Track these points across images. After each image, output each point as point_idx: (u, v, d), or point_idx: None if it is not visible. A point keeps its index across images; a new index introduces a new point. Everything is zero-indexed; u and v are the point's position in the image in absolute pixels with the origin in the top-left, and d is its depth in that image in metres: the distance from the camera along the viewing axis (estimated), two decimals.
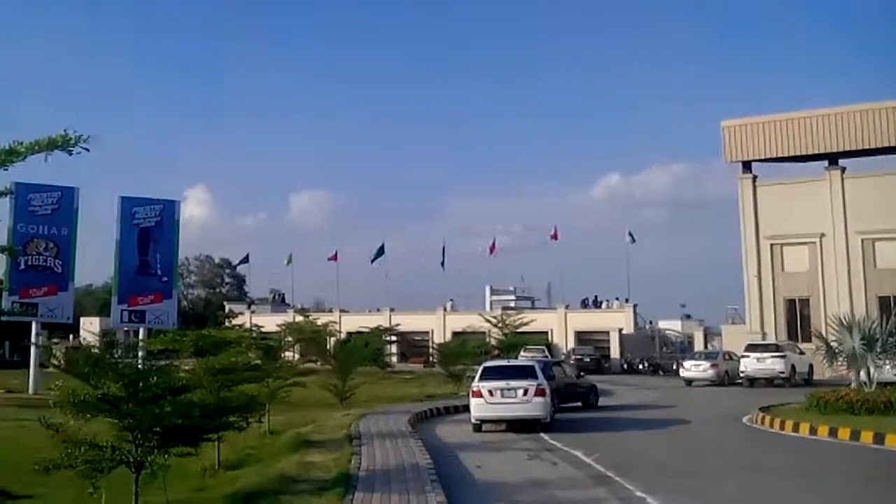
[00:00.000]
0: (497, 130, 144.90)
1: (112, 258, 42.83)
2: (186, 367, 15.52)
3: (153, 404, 11.07)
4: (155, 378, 11.39)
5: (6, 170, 7.62)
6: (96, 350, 12.73)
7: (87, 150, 7.57)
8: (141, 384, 11.05)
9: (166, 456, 11.17)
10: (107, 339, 16.20)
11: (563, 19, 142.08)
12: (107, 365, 11.42)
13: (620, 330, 62.60)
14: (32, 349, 39.03)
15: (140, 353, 19.05)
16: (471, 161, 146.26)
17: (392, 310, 70.84)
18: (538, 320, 61.01)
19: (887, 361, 27.70)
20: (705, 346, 56.49)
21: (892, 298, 47.68)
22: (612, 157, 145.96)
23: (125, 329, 42.07)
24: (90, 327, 58.66)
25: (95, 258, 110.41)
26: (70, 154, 7.50)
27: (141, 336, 37.62)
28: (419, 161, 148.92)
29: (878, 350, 25.39)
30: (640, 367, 58.14)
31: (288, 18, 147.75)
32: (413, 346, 68.78)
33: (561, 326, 64.71)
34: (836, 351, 26.55)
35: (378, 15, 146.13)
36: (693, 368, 43.82)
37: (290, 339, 51.25)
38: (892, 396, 22.26)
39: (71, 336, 59.38)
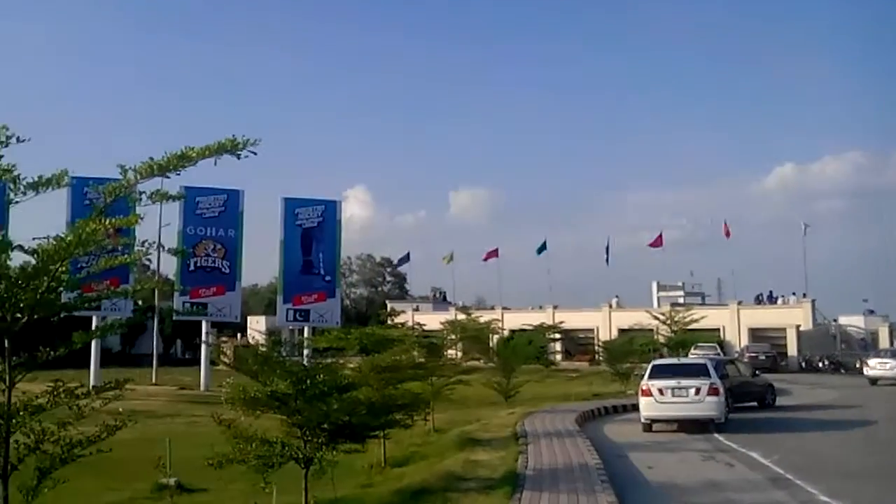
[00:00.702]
0: (663, 121, 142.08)
1: (276, 258, 44.29)
2: (351, 365, 15.87)
3: (320, 401, 11.36)
4: (321, 376, 11.69)
5: (178, 174, 7.91)
6: (264, 348, 13.14)
7: (255, 153, 7.79)
8: (308, 382, 11.36)
9: (334, 452, 11.45)
10: (274, 338, 16.72)
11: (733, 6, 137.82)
12: (275, 363, 11.81)
13: (798, 326, 60.19)
14: (203, 347, 40.84)
15: (306, 352, 19.63)
16: (636, 154, 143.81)
17: (555, 307, 70.49)
18: (709, 317, 59.19)
19: None
20: (892, 343, 53.83)
21: None
22: (786, 146, 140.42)
23: (290, 328, 43.39)
24: (257, 326, 60.87)
25: (260, 258, 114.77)
26: (238, 158, 7.74)
27: (306, 334, 38.69)
28: (582, 155, 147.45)
29: None
30: (820, 365, 55.93)
31: (444, 16, 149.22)
32: (577, 343, 68.21)
33: (733, 323, 62.82)
34: None
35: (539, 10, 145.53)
36: (879, 366, 41.91)
37: (452, 337, 51.75)
38: None
39: (238, 335, 61.81)
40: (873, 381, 41.33)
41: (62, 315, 8.97)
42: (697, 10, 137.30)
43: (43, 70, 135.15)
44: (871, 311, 64.69)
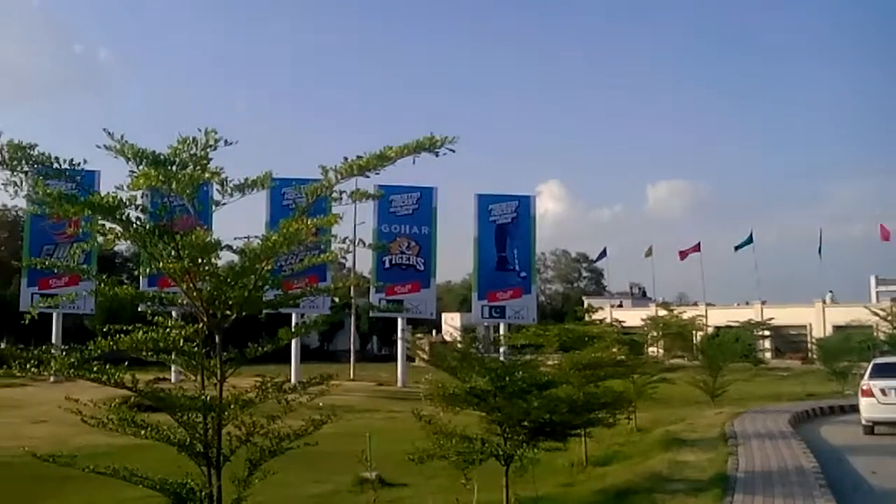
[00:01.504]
0: (875, 101, 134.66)
1: (469, 255, 44.85)
2: (550, 363, 15.89)
3: (520, 398, 11.40)
4: (520, 372, 11.74)
5: (377, 174, 8.13)
6: (461, 345, 13.33)
7: (453, 150, 7.89)
8: (507, 378, 11.41)
9: (535, 450, 11.47)
10: (471, 335, 17.02)
11: None
12: (474, 359, 11.95)
13: None
14: (399, 344, 41.87)
15: (502, 348, 19.76)
16: (850, 138, 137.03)
17: (763, 302, 68.33)
18: None
19: None
20: None
21: None
22: None
23: (485, 324, 43.85)
24: (451, 322, 61.77)
25: (453, 255, 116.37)
26: (437, 156, 7.87)
27: (501, 331, 38.99)
28: (787, 144, 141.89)
29: None
30: None
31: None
32: (788, 341, 65.88)
33: None
34: None
35: None
36: None
37: (654, 334, 51.00)
38: None
39: (433, 331, 62.96)
40: None
41: (265, 312, 9.36)
42: None
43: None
44: None
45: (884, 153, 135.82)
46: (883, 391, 20.32)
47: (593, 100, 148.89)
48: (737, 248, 72.98)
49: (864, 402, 20.81)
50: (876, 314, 53.12)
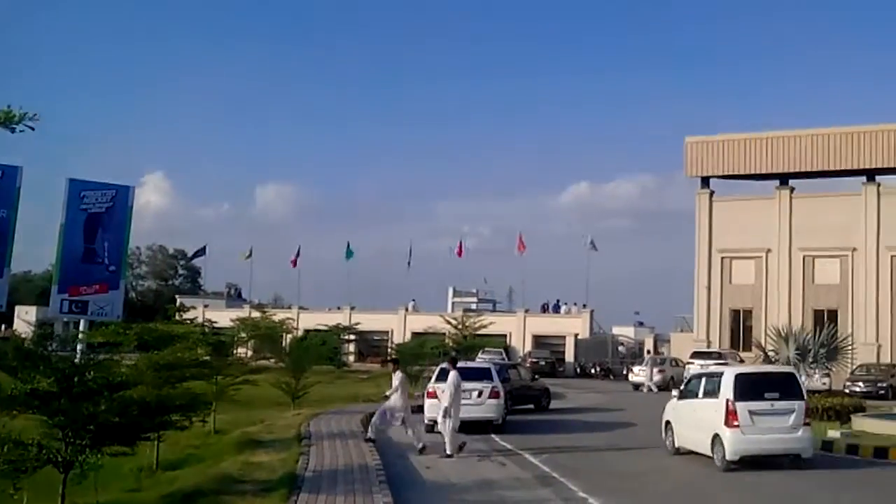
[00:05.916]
0: (472, 133, 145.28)
1: (54, 244, 41.31)
2: (130, 362, 15.01)
3: (88, 401, 10.58)
4: (92, 373, 10.92)
5: None
6: (28, 342, 12.11)
7: (32, 129, 6.94)
8: (76, 379, 10.60)
9: (99, 455, 10.65)
10: (42, 331, 15.66)
11: (542, 27, 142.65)
12: (39, 358, 10.84)
13: (576, 335, 62.66)
14: None
15: (79, 346, 18.38)
16: (444, 163, 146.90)
17: (352, 308, 70.15)
18: (497, 323, 60.99)
19: (817, 371, 30.05)
20: (655, 353, 57.12)
21: (825, 312, 50.49)
22: (584, 165, 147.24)
23: (65, 320, 40.84)
24: (26, 317, 56.88)
25: (36, 243, 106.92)
26: (13, 132, 6.87)
27: (81, 328, 36.46)
28: (391, 160, 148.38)
29: (810, 360, 27.43)
30: (593, 371, 58.75)
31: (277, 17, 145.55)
32: (371, 345, 68.23)
33: (520, 330, 64.55)
34: (773, 360, 27.94)
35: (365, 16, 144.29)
36: (641, 374, 45.11)
37: (243, 335, 50.52)
38: (819, 403, 23.43)
39: (3, 326, 57.76)
40: (636, 386, 44.53)
41: None
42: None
43: None
44: (641, 324, 70.08)
45: (474, 176, 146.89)
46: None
47: (205, 90, 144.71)
48: (347, 257, 73.86)
49: (428, 403, 21.95)
50: (449, 322, 56.98)
